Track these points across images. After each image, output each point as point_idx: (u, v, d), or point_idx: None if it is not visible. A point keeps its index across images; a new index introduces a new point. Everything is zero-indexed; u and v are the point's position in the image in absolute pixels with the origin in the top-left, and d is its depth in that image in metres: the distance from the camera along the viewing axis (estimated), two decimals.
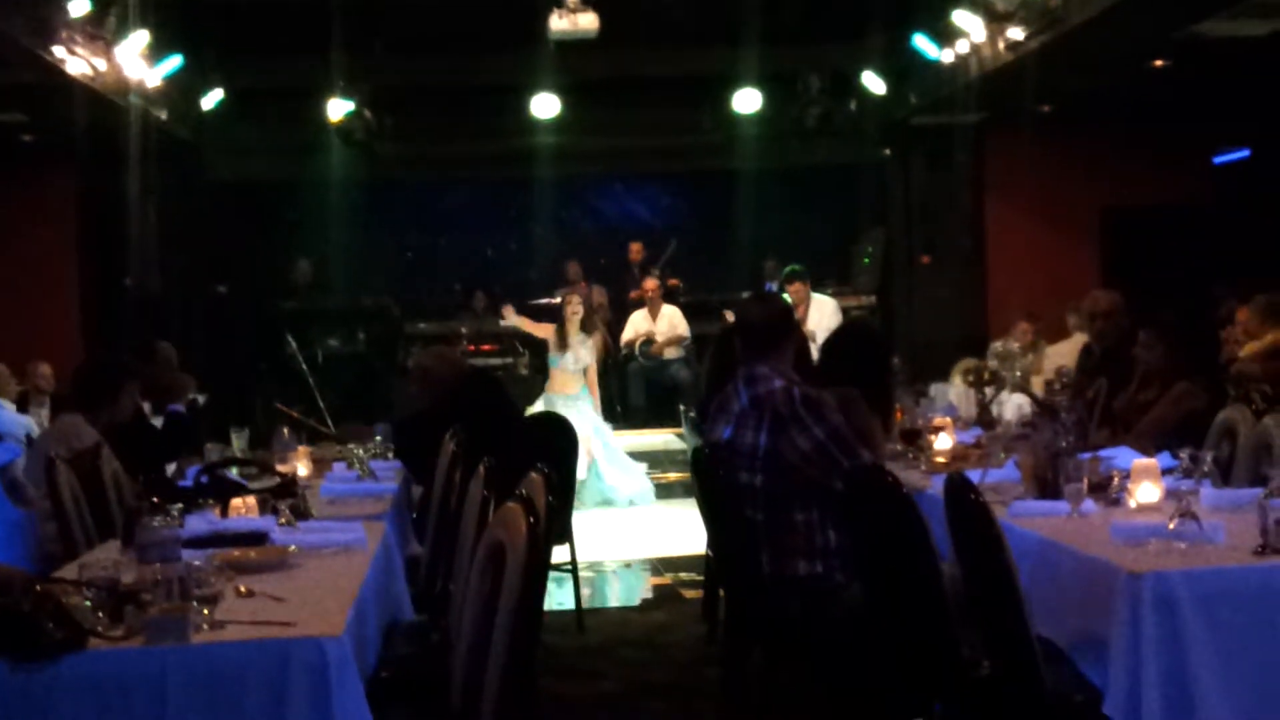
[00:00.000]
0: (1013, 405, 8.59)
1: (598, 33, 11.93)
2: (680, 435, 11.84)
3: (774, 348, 5.01)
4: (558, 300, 14.30)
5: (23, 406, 9.51)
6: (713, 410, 5.22)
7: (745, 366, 5.00)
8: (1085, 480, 4.47)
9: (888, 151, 15.21)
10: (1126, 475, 4.57)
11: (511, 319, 12.26)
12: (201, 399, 8.64)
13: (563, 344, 11.34)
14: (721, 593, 6.48)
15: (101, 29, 10.34)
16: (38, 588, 3.50)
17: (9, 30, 8.90)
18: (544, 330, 11.70)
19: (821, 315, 12.09)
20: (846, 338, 6.11)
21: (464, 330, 14.50)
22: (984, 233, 14.79)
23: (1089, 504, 4.41)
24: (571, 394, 11.29)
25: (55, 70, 9.77)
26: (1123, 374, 6.54)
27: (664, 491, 11.70)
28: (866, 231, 15.58)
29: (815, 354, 6.41)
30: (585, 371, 11.46)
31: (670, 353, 14.10)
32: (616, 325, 14.72)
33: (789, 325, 5.15)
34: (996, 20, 10.93)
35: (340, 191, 14.89)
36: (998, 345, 11.20)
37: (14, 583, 4.07)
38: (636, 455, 12.25)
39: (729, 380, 5.15)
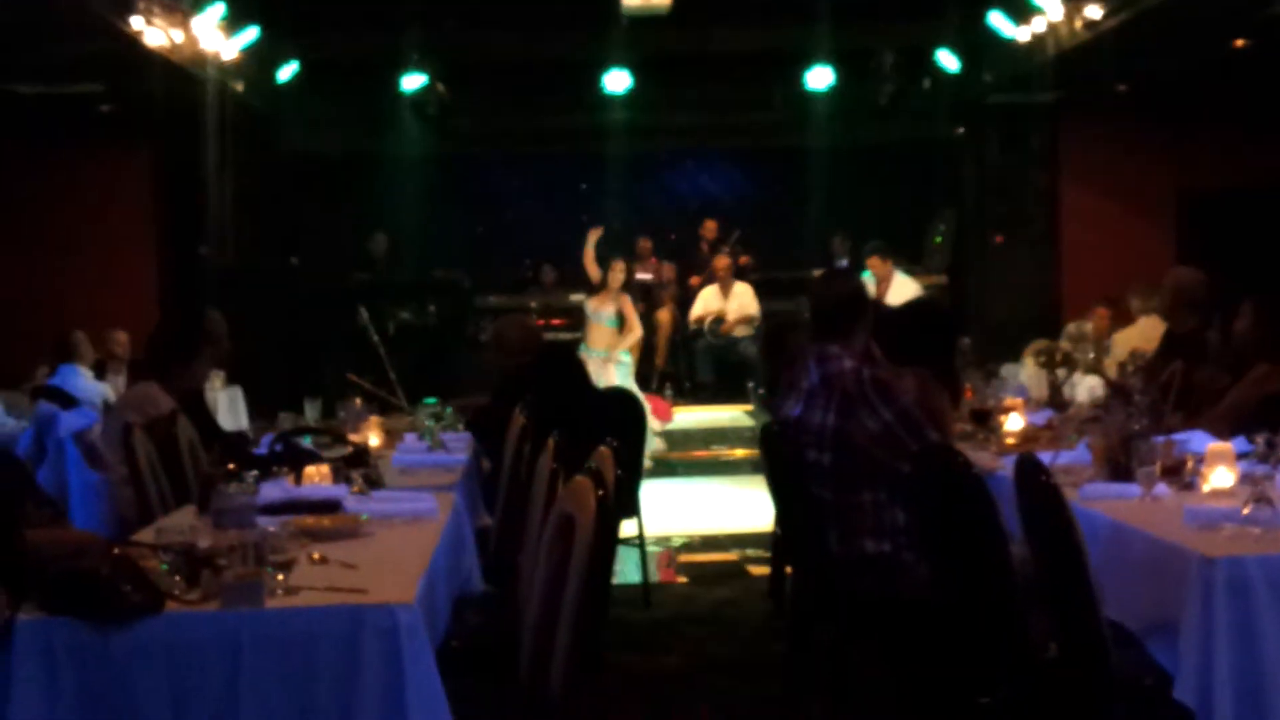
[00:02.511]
0: (1085, 387, 8.51)
1: (670, 8, 11.91)
2: (749, 412, 11.84)
3: (844, 327, 4.99)
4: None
5: (100, 374, 9.66)
6: (784, 386, 5.21)
7: (817, 345, 4.99)
8: (1158, 463, 4.43)
9: (961, 130, 15.08)
10: (1200, 459, 4.52)
11: (591, 240, 12.26)
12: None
13: (596, 295, 11.47)
14: (788, 570, 6.49)
15: (179, 1, 10.44)
16: (115, 551, 3.56)
17: (88, 2, 9.01)
18: (593, 272, 11.82)
19: (903, 295, 12.02)
20: (913, 316, 6.07)
21: (533, 304, 14.55)
22: (1058, 214, 14.65)
23: (1162, 487, 4.36)
24: (599, 350, 11.30)
25: (133, 41, 9.88)
26: (1199, 357, 6.45)
27: (731, 468, 11.71)
28: (939, 211, 15.47)
29: None
30: (621, 333, 11.47)
31: (740, 330, 14.08)
32: (685, 302, 14.72)
33: (860, 305, 5.09)
34: None
35: (412, 165, 14.96)
36: (1072, 327, 11.09)
37: (92, 547, 4.15)
38: (704, 432, 12.27)
39: (787, 359, 5.13)
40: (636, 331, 11.65)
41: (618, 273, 11.60)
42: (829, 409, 4.80)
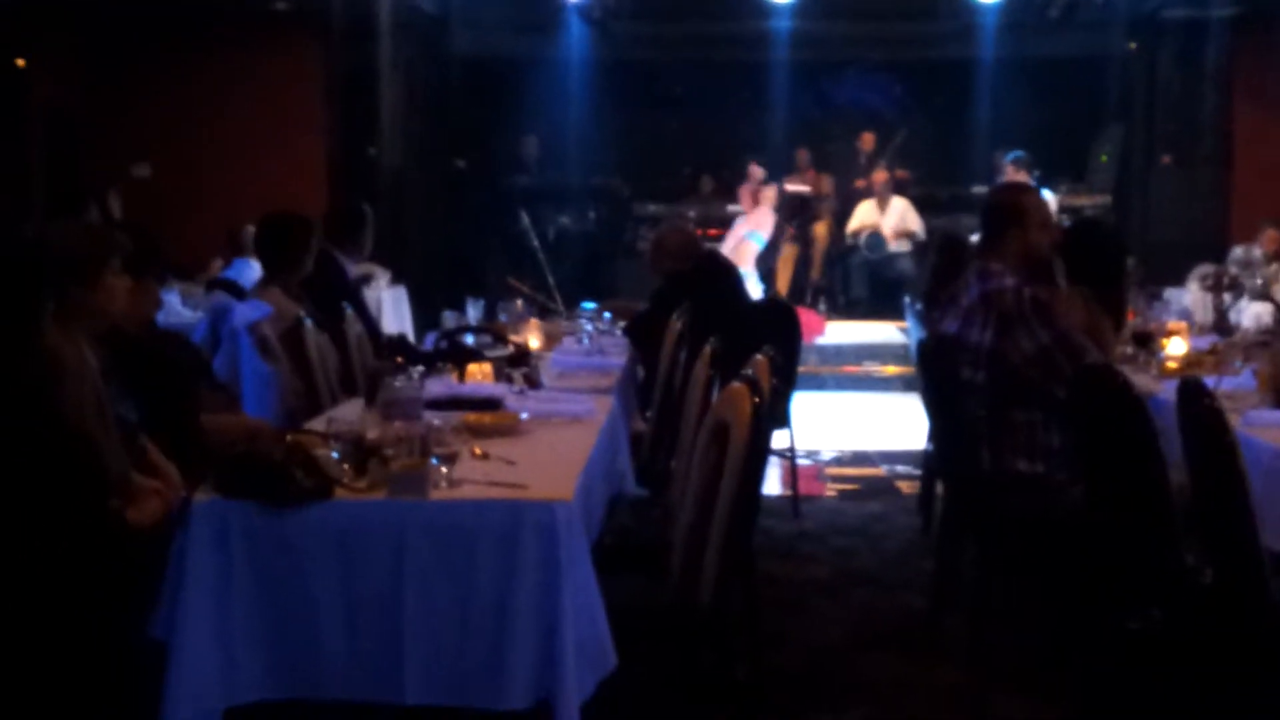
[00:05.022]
0: (1252, 313, 8.32)
1: None
2: (903, 329, 11.77)
3: (998, 235, 4.92)
4: (787, 186, 14.28)
5: None
6: (944, 301, 5.18)
7: (980, 259, 4.94)
8: None
9: (1133, 45, 14.64)
10: None
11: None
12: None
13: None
14: (939, 488, 6.49)
15: None
16: (288, 438, 3.70)
17: None
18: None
19: None
20: (1082, 235, 5.96)
21: (691, 214, 14.56)
22: (1231, 135, 14.18)
23: None
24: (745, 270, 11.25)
25: None
26: None
27: (883, 384, 11.67)
28: (1106, 128, 15.09)
29: None
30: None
31: (896, 245, 13.95)
32: (843, 215, 14.61)
33: (1015, 211, 4.99)
34: None
35: (575, 70, 14.99)
36: (1239, 251, 10.83)
37: (264, 433, 4.32)
38: (856, 348, 12.23)
39: (955, 275, 5.09)
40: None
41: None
42: (986, 327, 4.76)
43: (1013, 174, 12.09)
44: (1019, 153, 12.32)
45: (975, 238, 6.58)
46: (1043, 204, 5.13)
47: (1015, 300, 4.73)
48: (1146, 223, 14.19)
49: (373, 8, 11.90)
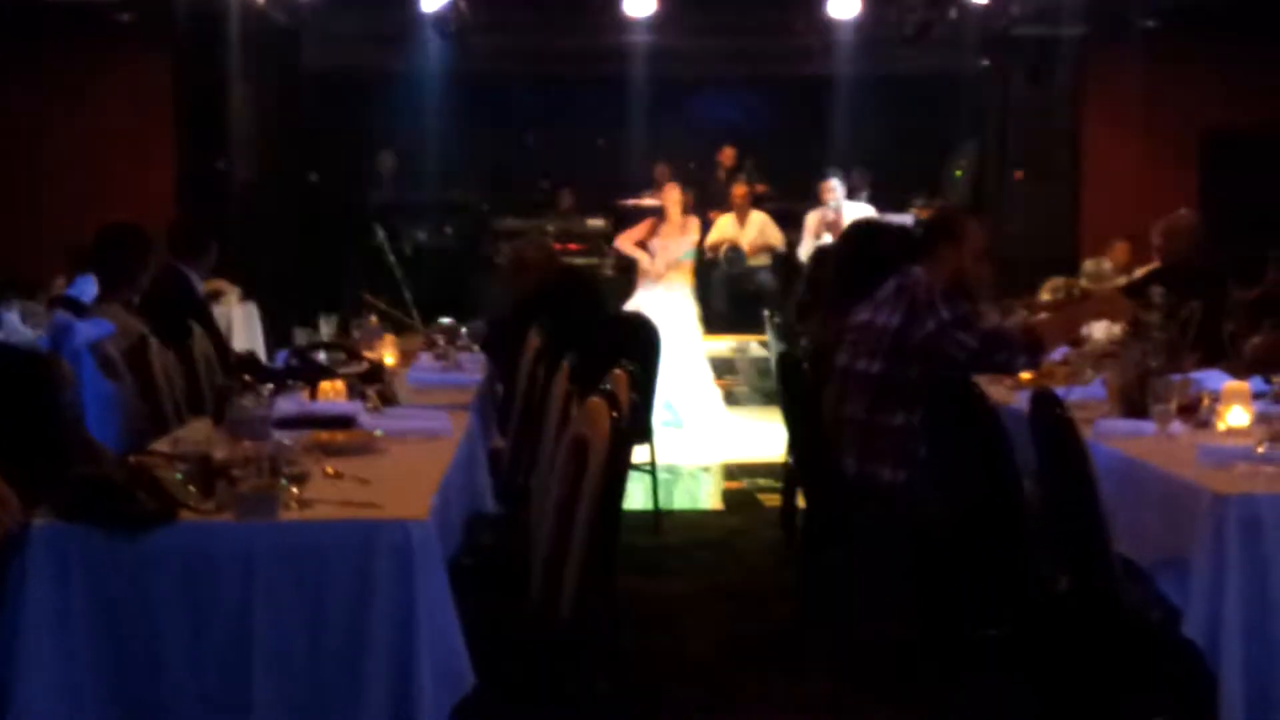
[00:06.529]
0: (1102, 324, 8.48)
1: None
2: (763, 343, 11.82)
3: (932, 246, 5.06)
4: (645, 201, 14.26)
5: None
6: (822, 309, 5.25)
7: (906, 264, 5.02)
8: (1174, 401, 4.42)
9: (986, 63, 14.93)
10: (1216, 398, 4.51)
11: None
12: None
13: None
14: (800, 499, 6.51)
15: None
16: (131, 460, 3.58)
17: None
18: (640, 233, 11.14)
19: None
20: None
21: (550, 228, 14.49)
22: (1080, 150, 14.52)
23: (1176, 425, 4.36)
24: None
25: None
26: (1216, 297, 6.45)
27: (744, 398, 11.72)
28: (960, 144, 15.36)
29: None
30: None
31: (756, 259, 14.02)
32: (702, 230, 14.63)
33: (954, 229, 5.13)
34: None
35: (431, 84, 14.85)
36: (1090, 263, 11.05)
37: (106, 455, 4.18)
38: (717, 362, 12.24)
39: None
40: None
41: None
42: (895, 312, 4.83)
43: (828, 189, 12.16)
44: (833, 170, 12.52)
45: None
46: (981, 236, 5.23)
47: (927, 287, 4.80)
48: (999, 237, 14.42)
49: (222, 19, 11.68)
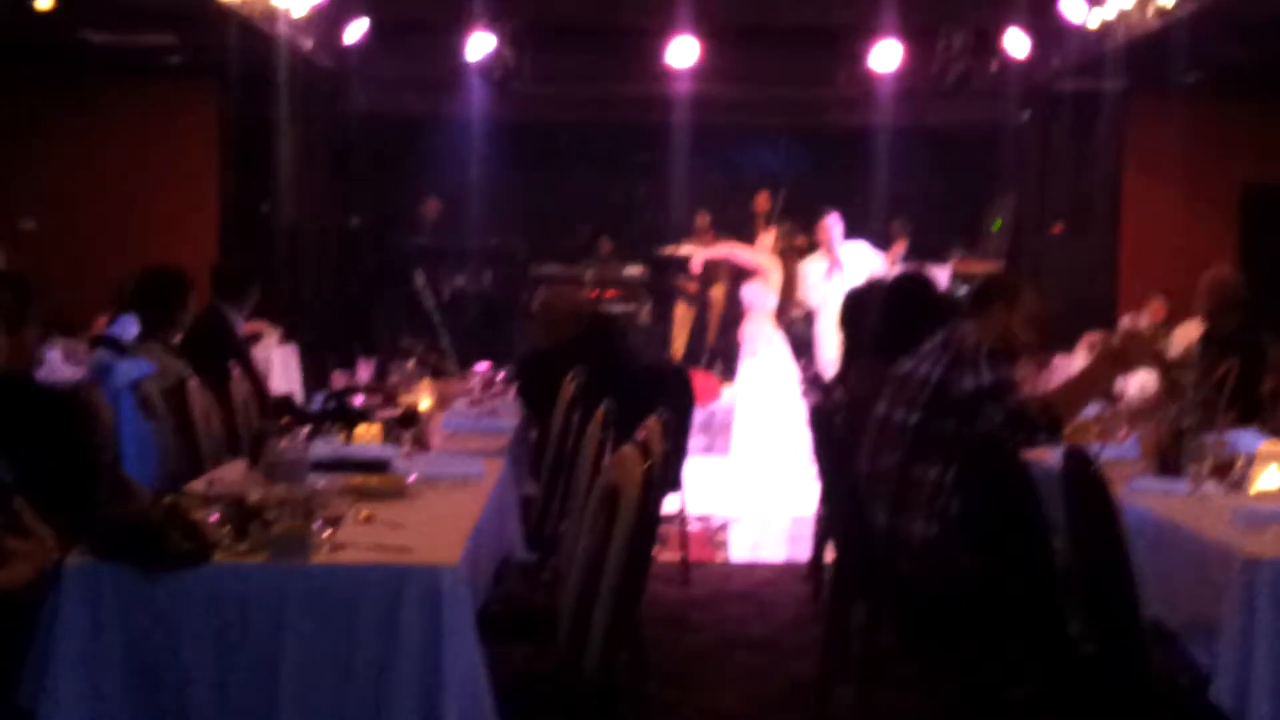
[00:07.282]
0: (1137, 381, 8.46)
1: None
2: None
3: (985, 305, 5.09)
4: (683, 249, 14.29)
5: None
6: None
7: (956, 319, 5.06)
8: (1208, 461, 4.40)
9: (1027, 115, 14.94)
10: (1251, 459, 4.49)
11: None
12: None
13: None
14: (830, 551, 6.49)
15: None
16: (166, 500, 3.62)
17: None
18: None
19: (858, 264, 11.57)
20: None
21: (588, 275, 14.54)
22: (1120, 204, 14.50)
23: (1210, 485, 4.34)
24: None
25: None
26: (1252, 356, 6.41)
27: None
28: (999, 196, 15.35)
29: None
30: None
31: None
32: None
33: (1010, 290, 5.18)
34: None
35: (475, 129, 14.97)
36: (1127, 319, 11.03)
37: (142, 494, 4.22)
38: None
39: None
40: None
41: None
42: (938, 363, 4.82)
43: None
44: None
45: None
46: (1037, 303, 5.27)
47: (974, 343, 4.79)
48: (1037, 290, 14.38)
49: (270, 62, 11.82)
